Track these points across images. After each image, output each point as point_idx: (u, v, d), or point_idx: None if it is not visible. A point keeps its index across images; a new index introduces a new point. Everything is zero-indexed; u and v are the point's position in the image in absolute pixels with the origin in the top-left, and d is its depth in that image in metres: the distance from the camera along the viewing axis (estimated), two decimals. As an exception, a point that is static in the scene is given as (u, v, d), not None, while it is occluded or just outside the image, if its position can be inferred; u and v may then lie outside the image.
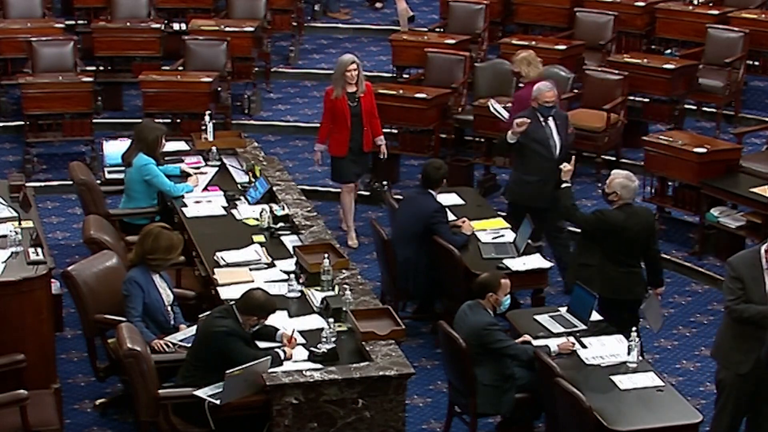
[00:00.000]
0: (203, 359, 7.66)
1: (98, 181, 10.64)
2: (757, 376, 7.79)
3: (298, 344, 7.89)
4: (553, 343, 8.17)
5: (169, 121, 12.72)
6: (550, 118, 10.28)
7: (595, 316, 8.63)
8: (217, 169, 10.75)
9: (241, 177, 10.58)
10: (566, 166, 9.38)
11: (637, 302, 9.05)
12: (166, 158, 10.66)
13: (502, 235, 9.96)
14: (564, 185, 9.30)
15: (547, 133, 10.25)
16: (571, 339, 8.27)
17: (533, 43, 13.54)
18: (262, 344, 7.88)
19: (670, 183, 11.49)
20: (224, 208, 10.02)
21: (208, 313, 8.04)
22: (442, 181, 9.88)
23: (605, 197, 9.07)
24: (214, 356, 7.58)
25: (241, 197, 10.18)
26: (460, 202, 10.58)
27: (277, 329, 7.98)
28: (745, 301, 7.70)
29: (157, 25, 13.92)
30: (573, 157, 9.84)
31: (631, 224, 8.88)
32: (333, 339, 7.80)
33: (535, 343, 8.20)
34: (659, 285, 9.17)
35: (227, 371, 7.35)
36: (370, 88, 11.38)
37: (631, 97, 12.95)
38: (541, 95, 10.25)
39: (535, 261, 9.59)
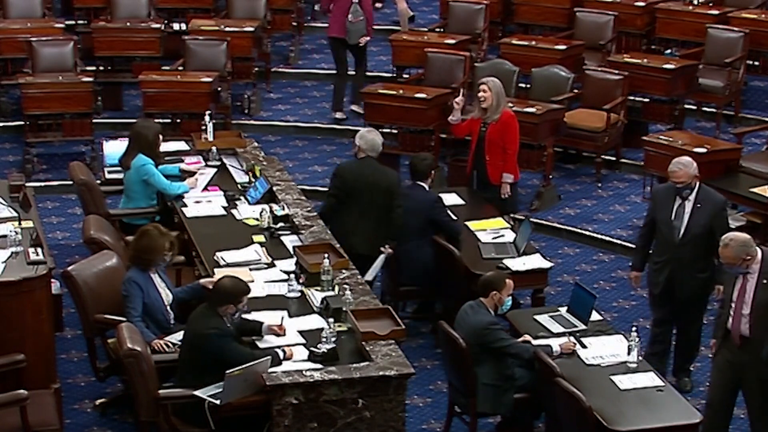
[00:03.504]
0: (198, 363, 7.63)
1: (98, 181, 10.63)
2: (740, 363, 7.93)
3: (298, 344, 7.89)
4: (555, 343, 8.17)
5: (169, 121, 12.72)
6: (689, 199, 8.89)
7: (595, 316, 8.64)
8: (217, 169, 10.75)
9: (241, 177, 10.57)
10: None
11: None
12: (166, 158, 10.65)
13: (502, 235, 9.96)
14: None
15: (675, 212, 8.92)
16: (572, 339, 8.28)
17: (533, 43, 13.56)
18: (262, 344, 7.88)
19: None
20: (224, 208, 10.01)
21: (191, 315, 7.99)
22: (430, 172, 9.95)
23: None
24: (210, 359, 7.56)
25: (241, 197, 10.17)
26: (461, 202, 10.58)
27: (262, 323, 7.98)
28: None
29: (157, 25, 13.93)
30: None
31: (367, 172, 9.57)
32: (333, 339, 7.79)
33: (536, 343, 8.21)
34: (391, 240, 9.58)
35: (227, 371, 7.34)
36: (507, 120, 10.48)
37: (631, 97, 12.96)
38: (670, 173, 8.93)
39: (535, 261, 9.59)
